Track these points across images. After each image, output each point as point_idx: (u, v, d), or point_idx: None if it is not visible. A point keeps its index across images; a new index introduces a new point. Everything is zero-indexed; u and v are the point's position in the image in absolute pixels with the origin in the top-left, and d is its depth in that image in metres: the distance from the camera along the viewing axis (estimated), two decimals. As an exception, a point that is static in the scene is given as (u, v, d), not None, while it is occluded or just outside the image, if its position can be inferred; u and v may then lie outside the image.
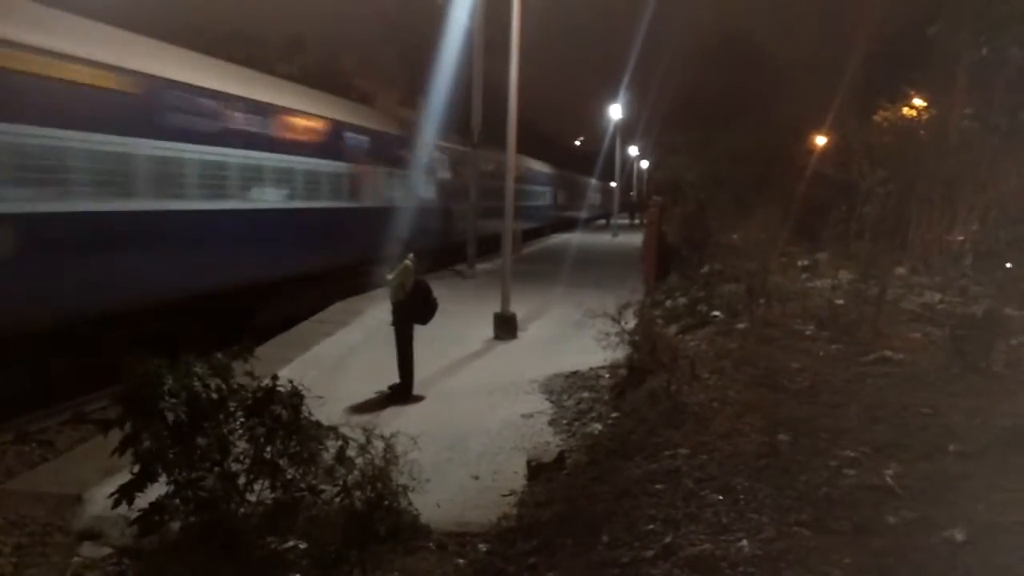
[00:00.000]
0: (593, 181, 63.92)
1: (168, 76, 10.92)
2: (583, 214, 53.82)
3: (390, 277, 8.58)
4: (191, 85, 11.37)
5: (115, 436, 4.29)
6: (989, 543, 4.00)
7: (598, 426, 7.26)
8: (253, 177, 12.90)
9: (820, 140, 24.46)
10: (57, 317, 9.03)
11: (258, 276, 13.07)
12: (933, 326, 9.58)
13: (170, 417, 4.09)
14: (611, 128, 45.58)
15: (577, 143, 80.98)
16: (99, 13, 10.84)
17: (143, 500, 4.30)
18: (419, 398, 8.47)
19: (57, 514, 5.54)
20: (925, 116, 18.38)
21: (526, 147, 29.75)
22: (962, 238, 15.34)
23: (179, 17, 26.70)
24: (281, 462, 4.48)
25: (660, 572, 4.06)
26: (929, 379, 7.26)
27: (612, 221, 44.21)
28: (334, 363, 10.13)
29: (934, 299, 11.61)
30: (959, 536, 4.06)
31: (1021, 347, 7.88)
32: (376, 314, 12.10)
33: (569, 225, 47.34)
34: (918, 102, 18.81)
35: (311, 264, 15.16)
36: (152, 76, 10.55)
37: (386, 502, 4.88)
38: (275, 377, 4.68)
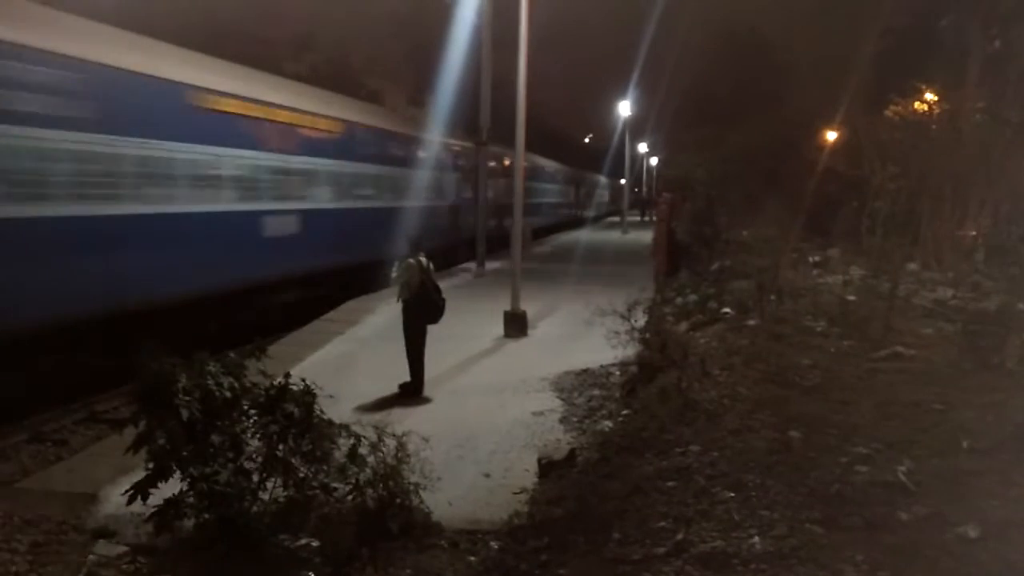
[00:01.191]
0: (602, 178, 63.81)
1: None
2: (591, 212, 53.73)
3: (395, 275, 8.58)
4: None
5: (129, 435, 4.33)
6: (1002, 539, 3.99)
7: (609, 423, 7.26)
8: None
9: (831, 136, 24.33)
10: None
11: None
12: (945, 322, 9.54)
13: (185, 414, 4.11)
14: (620, 125, 45.51)
15: (587, 140, 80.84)
16: (106, 15, 10.89)
17: (157, 498, 4.33)
18: (429, 398, 8.49)
19: (72, 512, 5.58)
20: (936, 111, 18.26)
21: (538, 146, 29.77)
22: (974, 233, 15.26)
23: (185, 15, 26.75)
24: (294, 460, 4.51)
25: (672, 569, 4.06)
26: (941, 375, 7.24)
27: (624, 219, 44.07)
28: (345, 362, 10.16)
29: (946, 295, 11.56)
30: (972, 533, 4.05)
31: (1034, 343, 7.83)
32: (386, 313, 12.12)
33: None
34: (930, 96, 18.69)
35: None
36: None
37: (398, 500, 4.90)
38: (287, 375, 4.70)
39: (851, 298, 10.34)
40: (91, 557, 4.96)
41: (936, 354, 8.04)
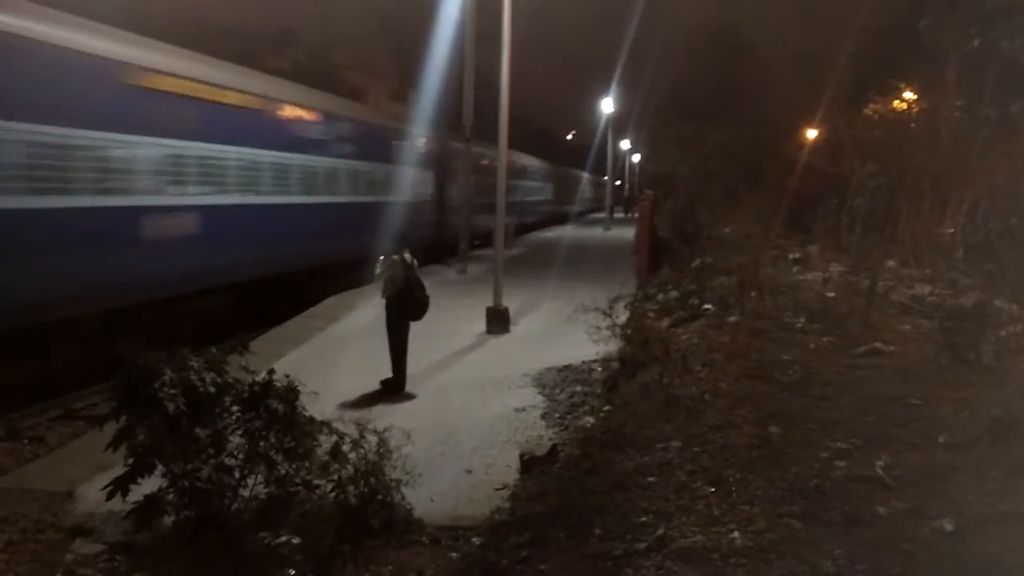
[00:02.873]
0: (585, 175, 63.89)
1: None
2: (575, 208, 53.78)
3: (379, 272, 8.56)
4: None
5: (108, 431, 4.28)
6: (978, 533, 4.04)
7: (590, 419, 7.28)
8: None
9: (811, 134, 24.49)
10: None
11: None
12: (923, 318, 9.62)
13: (171, 407, 4.07)
14: (603, 122, 45.57)
15: (569, 137, 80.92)
16: (88, 10, 10.77)
17: (136, 495, 4.29)
18: (411, 395, 8.47)
19: (49, 511, 5.52)
20: (915, 109, 18.43)
21: (521, 142, 29.65)
22: (952, 230, 15.40)
23: (165, 10, 26.51)
24: (275, 457, 4.48)
25: (652, 564, 4.09)
26: (919, 371, 7.31)
27: (610, 215, 44.13)
28: (327, 358, 10.12)
29: (924, 291, 11.66)
30: (949, 526, 4.10)
31: (1010, 339, 7.92)
32: (369, 309, 12.08)
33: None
34: (908, 95, 18.86)
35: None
36: None
37: (379, 497, 4.88)
38: (271, 371, 4.67)
39: (831, 295, 10.42)
40: (68, 556, 4.91)
41: (914, 350, 8.11)
